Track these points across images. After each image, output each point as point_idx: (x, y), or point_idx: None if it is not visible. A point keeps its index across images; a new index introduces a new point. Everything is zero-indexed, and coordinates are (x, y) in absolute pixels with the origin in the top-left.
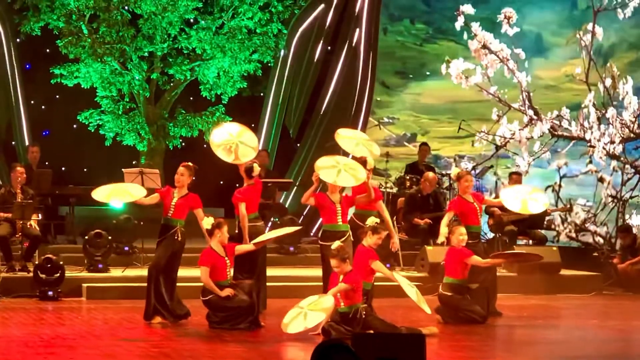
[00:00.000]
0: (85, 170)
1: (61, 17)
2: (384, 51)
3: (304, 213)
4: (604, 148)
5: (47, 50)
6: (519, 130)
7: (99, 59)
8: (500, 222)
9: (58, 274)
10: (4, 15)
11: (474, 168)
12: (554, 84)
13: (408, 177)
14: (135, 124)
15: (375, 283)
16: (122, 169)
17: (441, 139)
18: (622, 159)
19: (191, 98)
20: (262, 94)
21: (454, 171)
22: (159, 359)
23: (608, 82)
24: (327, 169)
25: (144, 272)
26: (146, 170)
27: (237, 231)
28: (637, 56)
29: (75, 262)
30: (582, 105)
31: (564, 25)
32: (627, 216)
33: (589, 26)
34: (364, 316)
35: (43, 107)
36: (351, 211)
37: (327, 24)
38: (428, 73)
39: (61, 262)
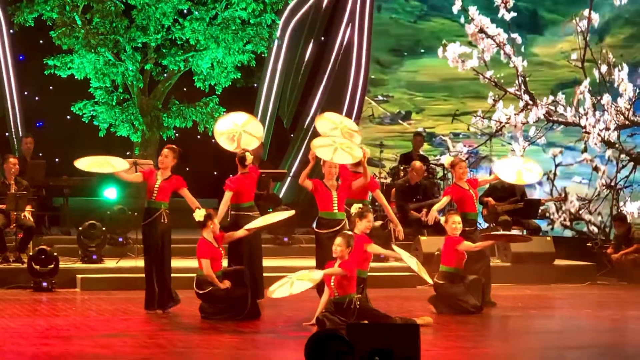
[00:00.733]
0: None
1: (55, 8)
2: (378, 29)
3: (298, 203)
4: (599, 134)
5: (41, 41)
6: (514, 115)
7: (92, 50)
8: (494, 212)
9: (52, 265)
10: None
11: (467, 159)
12: (550, 60)
13: (402, 167)
14: (129, 115)
15: (369, 273)
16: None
17: (436, 117)
18: (617, 145)
19: (185, 89)
20: (255, 85)
21: (446, 160)
22: (153, 350)
23: (604, 68)
24: (323, 147)
25: (138, 263)
26: (140, 160)
27: (229, 219)
28: (632, 32)
29: (69, 253)
30: (578, 91)
31: (560, 2)
32: (621, 203)
33: (585, 12)
34: (358, 306)
35: (37, 98)
36: None
37: (321, 14)
38: (423, 51)
39: (55, 253)
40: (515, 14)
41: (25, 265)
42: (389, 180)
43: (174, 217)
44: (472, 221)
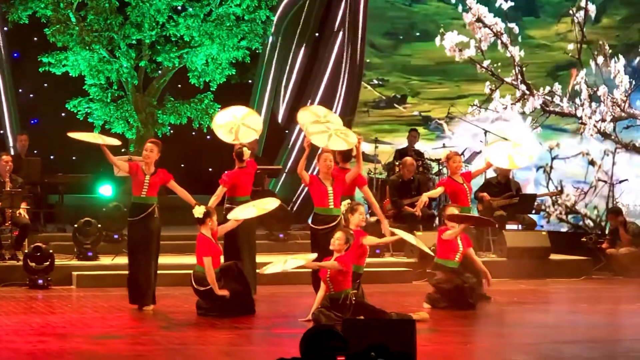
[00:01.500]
0: (74, 158)
1: (49, 5)
2: (373, 12)
3: (294, 200)
4: (595, 126)
5: (35, 39)
6: (511, 104)
7: (87, 47)
8: (489, 207)
9: (48, 263)
10: None
11: (462, 153)
12: (547, 43)
13: (397, 163)
14: (123, 112)
15: (365, 268)
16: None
17: (432, 101)
18: (612, 137)
19: (179, 85)
20: (250, 81)
21: (443, 153)
22: (149, 347)
23: (600, 60)
24: (318, 134)
25: None
26: (135, 157)
27: (223, 212)
28: (628, 13)
29: (64, 250)
30: (575, 82)
31: None
32: (617, 195)
33: (582, 3)
34: (353, 302)
35: (31, 95)
36: None
37: (315, 10)
38: (418, 34)
39: (51, 251)
40: (512, 3)
41: (20, 263)
42: (384, 175)
43: (164, 214)
44: (465, 212)
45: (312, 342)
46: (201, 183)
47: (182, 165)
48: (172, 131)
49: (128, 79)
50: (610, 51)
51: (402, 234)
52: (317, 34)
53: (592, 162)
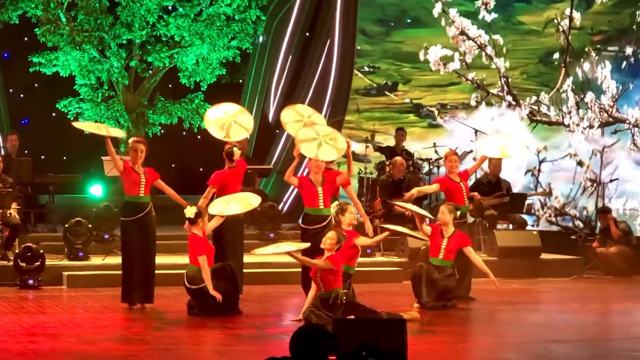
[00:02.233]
0: (64, 158)
1: (39, 5)
2: None
3: (284, 200)
4: (582, 133)
5: (26, 39)
6: (498, 116)
7: (77, 47)
8: (480, 206)
9: (38, 263)
10: None
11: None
12: (537, 29)
13: (388, 162)
14: (114, 112)
15: (356, 268)
16: (102, 157)
17: (423, 88)
18: (601, 142)
19: (170, 85)
20: (241, 81)
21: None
22: (139, 347)
23: (586, 66)
24: (307, 142)
25: None
26: (126, 157)
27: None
28: None
29: (55, 250)
30: (561, 91)
31: None
32: (606, 200)
33: (567, 11)
34: (344, 301)
35: (22, 95)
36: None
37: (306, 9)
38: (409, 20)
39: (41, 251)
40: (496, 15)
41: (11, 263)
42: (374, 175)
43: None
44: (461, 214)
45: (303, 342)
46: (192, 183)
47: (173, 165)
48: (162, 131)
49: (118, 79)
50: (596, 57)
51: (392, 227)
52: (307, 34)
53: (580, 163)
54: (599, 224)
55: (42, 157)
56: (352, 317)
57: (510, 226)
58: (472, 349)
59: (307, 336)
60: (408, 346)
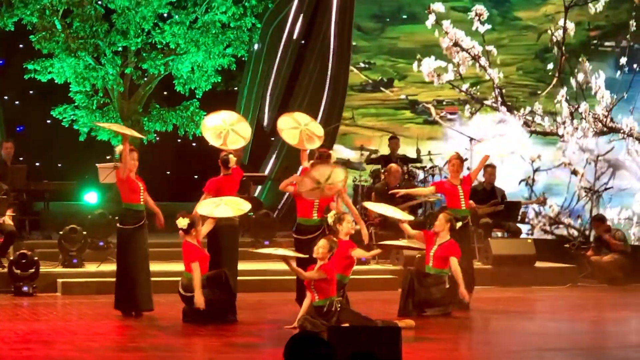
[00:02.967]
0: (59, 165)
1: (34, 12)
2: None
3: (279, 207)
4: (577, 143)
5: (21, 46)
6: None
7: (72, 54)
8: (475, 214)
9: (33, 270)
10: None
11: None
12: (534, 24)
13: (382, 171)
14: (109, 119)
15: (350, 276)
16: (97, 164)
17: (419, 84)
18: (595, 152)
19: (165, 93)
20: (236, 89)
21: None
22: (134, 354)
23: (580, 77)
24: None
25: None
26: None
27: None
28: None
29: (50, 257)
30: (555, 101)
31: None
32: (601, 209)
33: (561, 22)
34: (339, 309)
35: (17, 102)
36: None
37: (301, 17)
38: (405, 16)
39: (36, 258)
40: (489, 26)
41: (5, 270)
42: (369, 183)
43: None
44: (457, 218)
45: (297, 349)
46: (187, 190)
47: (168, 173)
48: (157, 138)
49: (114, 86)
50: (590, 67)
51: (388, 243)
52: (302, 42)
53: (574, 172)
54: (593, 233)
55: (37, 164)
56: (347, 325)
57: (505, 234)
58: (467, 357)
59: (302, 343)
60: (402, 354)
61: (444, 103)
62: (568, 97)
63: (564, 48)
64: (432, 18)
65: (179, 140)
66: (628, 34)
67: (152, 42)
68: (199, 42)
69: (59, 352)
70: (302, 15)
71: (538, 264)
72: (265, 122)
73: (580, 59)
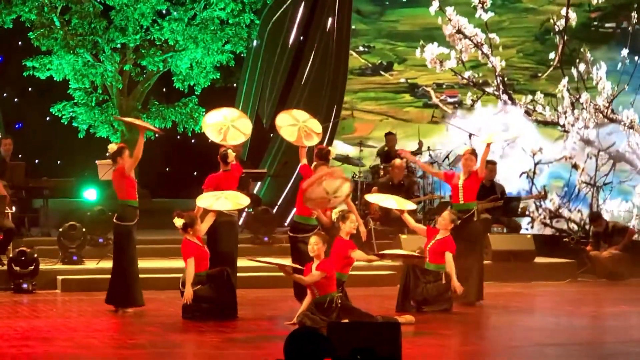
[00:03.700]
0: (58, 162)
1: (33, 10)
2: None
3: (278, 203)
4: (577, 133)
5: (19, 43)
6: (494, 115)
7: (71, 51)
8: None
9: (32, 267)
10: None
11: (447, 157)
12: (534, 6)
13: (382, 166)
14: (108, 116)
15: (350, 272)
16: (96, 161)
17: (418, 68)
18: (595, 144)
19: (164, 89)
20: (235, 85)
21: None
22: (133, 351)
23: (582, 67)
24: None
25: None
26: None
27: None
28: None
29: (49, 254)
30: (557, 90)
31: None
32: (601, 201)
33: (563, 11)
34: (339, 305)
35: (16, 99)
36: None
37: (300, 13)
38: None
39: (35, 255)
40: (492, 14)
41: (5, 267)
42: (369, 179)
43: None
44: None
45: (297, 345)
46: (186, 187)
47: (167, 169)
48: (156, 135)
49: (112, 83)
50: (592, 58)
51: (389, 252)
52: (301, 38)
53: (575, 166)
54: (592, 227)
55: (36, 161)
56: (346, 320)
57: (504, 230)
58: (466, 353)
59: (302, 339)
60: (402, 350)
61: (444, 86)
62: (569, 87)
63: (565, 33)
64: (435, 4)
65: (178, 137)
66: (629, 14)
67: (150, 39)
68: (198, 38)
69: (58, 349)
70: (300, 11)
71: (537, 260)
72: (265, 119)
73: (582, 49)
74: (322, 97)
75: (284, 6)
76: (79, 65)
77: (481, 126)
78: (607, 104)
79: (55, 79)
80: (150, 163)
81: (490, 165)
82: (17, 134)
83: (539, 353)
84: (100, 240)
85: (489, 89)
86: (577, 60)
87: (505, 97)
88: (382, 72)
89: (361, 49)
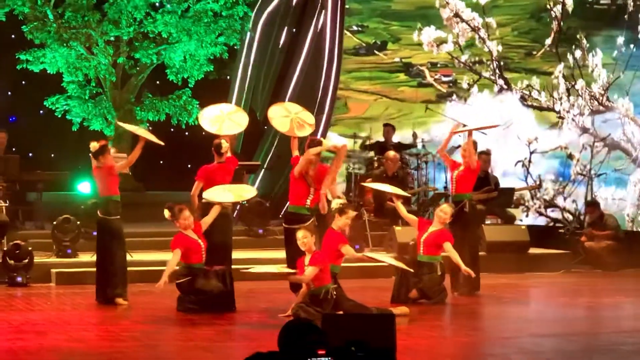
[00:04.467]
0: (52, 155)
1: (26, 3)
2: None
3: (272, 195)
4: (573, 120)
5: (13, 36)
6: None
7: (64, 44)
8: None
9: (27, 260)
10: None
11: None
12: None
13: (376, 158)
14: (102, 109)
15: (344, 264)
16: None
17: (413, 47)
18: (591, 131)
19: (158, 82)
20: (228, 77)
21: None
22: (128, 343)
23: (578, 54)
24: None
25: None
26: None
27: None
28: None
29: (43, 247)
30: (552, 77)
31: None
32: (595, 189)
33: None
34: (334, 297)
35: (9, 93)
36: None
37: (293, 5)
38: None
39: (30, 248)
40: None
41: None
42: (362, 171)
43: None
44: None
45: (291, 336)
46: (180, 180)
47: (161, 162)
48: (150, 128)
49: (106, 76)
50: (587, 45)
51: (379, 257)
52: (294, 30)
53: (570, 156)
54: (587, 218)
55: (30, 154)
56: (341, 312)
57: (499, 221)
58: (461, 344)
59: (296, 330)
60: (397, 341)
61: (438, 65)
62: (564, 74)
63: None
64: None
65: (172, 130)
66: None
67: (144, 32)
68: (191, 31)
69: (52, 342)
70: (294, 3)
71: (532, 251)
72: (258, 111)
73: (578, 36)
74: (316, 89)
75: None
76: (73, 58)
77: (477, 113)
78: (602, 92)
79: (48, 72)
80: (144, 156)
81: (484, 155)
82: (10, 127)
83: (533, 344)
84: (95, 233)
85: (486, 74)
86: (573, 47)
87: (501, 81)
88: (376, 52)
89: (355, 28)
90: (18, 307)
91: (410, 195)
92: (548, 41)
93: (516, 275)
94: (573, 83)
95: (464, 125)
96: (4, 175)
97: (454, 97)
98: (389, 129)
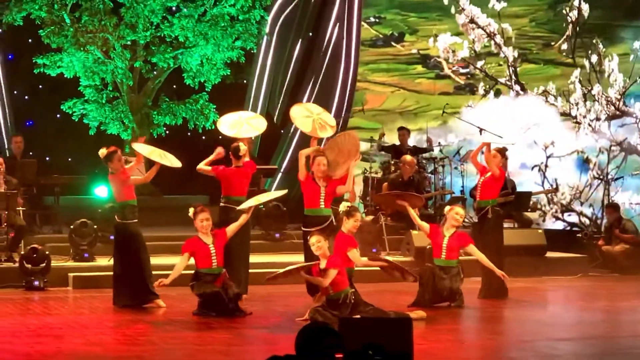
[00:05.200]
0: (69, 159)
1: (43, 7)
2: None
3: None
4: (589, 125)
5: (30, 40)
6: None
7: (81, 48)
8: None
9: (44, 264)
10: None
11: (457, 153)
12: None
13: (393, 162)
14: (119, 113)
15: (362, 268)
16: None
17: (430, 38)
18: (607, 136)
19: (175, 86)
20: (245, 81)
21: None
22: (145, 347)
23: (594, 59)
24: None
25: None
26: (131, 158)
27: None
28: None
29: (61, 251)
30: (569, 82)
31: None
32: (612, 193)
33: (576, 2)
34: (352, 301)
35: (26, 97)
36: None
37: (310, 9)
38: None
39: (47, 252)
40: (505, 4)
41: (17, 265)
42: (379, 174)
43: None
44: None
45: (308, 340)
46: (196, 184)
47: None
48: (167, 132)
49: (123, 80)
50: (604, 50)
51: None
52: (311, 34)
53: (587, 160)
54: (604, 222)
55: (47, 158)
56: (358, 316)
57: (515, 225)
58: (478, 348)
59: (313, 334)
60: (414, 345)
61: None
62: (581, 79)
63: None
64: None
65: (189, 134)
66: None
67: (161, 36)
68: (208, 35)
69: (70, 346)
70: (310, 7)
71: (549, 254)
72: (275, 115)
73: (594, 41)
74: (333, 94)
75: (294, 2)
76: (90, 63)
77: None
78: (618, 97)
79: (65, 76)
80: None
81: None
82: (27, 132)
83: (551, 348)
84: (112, 237)
85: (502, 79)
86: (589, 52)
87: (517, 87)
88: (394, 43)
89: (372, 19)
90: (35, 311)
91: (425, 197)
92: (565, 46)
93: (533, 278)
94: (589, 88)
95: (481, 131)
96: (21, 180)
97: (470, 102)
98: (404, 132)
